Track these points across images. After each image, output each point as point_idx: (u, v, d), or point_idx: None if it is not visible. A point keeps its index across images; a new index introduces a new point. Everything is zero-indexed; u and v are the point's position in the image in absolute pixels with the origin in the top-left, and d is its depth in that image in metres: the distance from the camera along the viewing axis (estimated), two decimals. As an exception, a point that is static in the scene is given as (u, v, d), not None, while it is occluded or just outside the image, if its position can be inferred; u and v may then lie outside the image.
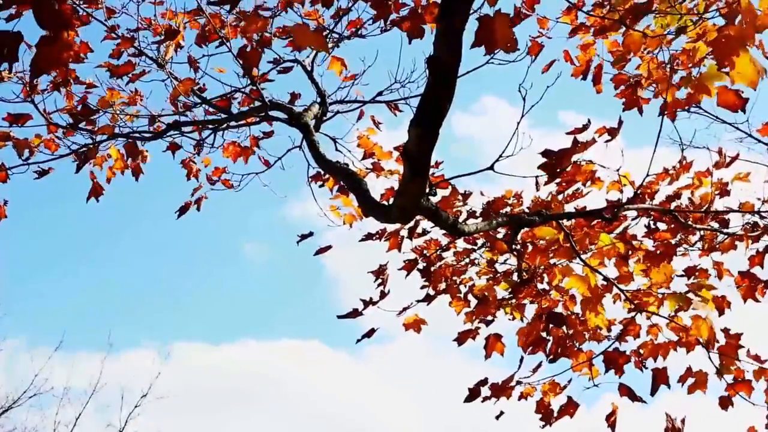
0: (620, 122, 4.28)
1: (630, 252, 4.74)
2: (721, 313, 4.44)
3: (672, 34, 4.23)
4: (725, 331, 4.24)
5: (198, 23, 4.92)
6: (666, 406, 4.13)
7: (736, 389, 4.27)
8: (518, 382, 4.49)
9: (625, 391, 4.25)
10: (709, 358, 4.22)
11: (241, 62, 4.40)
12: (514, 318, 4.87)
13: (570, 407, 4.42)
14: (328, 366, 24.79)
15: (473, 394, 4.46)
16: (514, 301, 4.86)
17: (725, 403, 4.34)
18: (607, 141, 4.30)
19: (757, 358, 4.30)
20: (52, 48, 2.30)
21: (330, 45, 5.16)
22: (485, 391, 4.47)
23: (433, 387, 24.83)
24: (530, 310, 4.84)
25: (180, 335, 29.44)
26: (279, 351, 26.33)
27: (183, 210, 5.47)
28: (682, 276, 4.74)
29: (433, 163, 3.90)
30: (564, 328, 4.51)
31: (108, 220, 27.97)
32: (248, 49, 4.32)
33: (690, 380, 4.32)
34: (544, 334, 4.51)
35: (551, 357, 4.50)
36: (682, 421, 4.06)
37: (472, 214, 4.92)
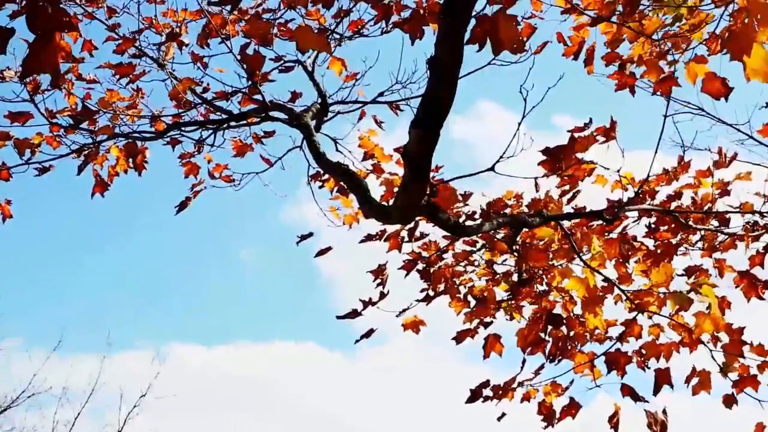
0: (613, 122, 4.25)
1: (630, 252, 4.73)
2: (721, 313, 4.41)
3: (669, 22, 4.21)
4: (727, 326, 4.17)
5: (201, 14, 4.90)
6: (669, 406, 4.11)
7: (742, 386, 4.19)
8: (520, 384, 4.48)
9: (628, 391, 4.23)
10: (712, 357, 4.19)
11: (243, 65, 4.39)
12: (512, 318, 4.86)
13: (572, 408, 4.41)
14: (324, 367, 24.83)
15: (475, 395, 4.45)
16: (513, 302, 4.85)
17: (729, 401, 4.26)
18: (603, 142, 4.29)
19: (760, 348, 4.20)
20: (42, 50, 2.30)
21: (332, 45, 5.15)
22: (486, 392, 4.46)
23: (430, 388, 24.83)
24: (529, 311, 4.84)
25: (176, 337, 29.43)
26: (275, 353, 26.34)
27: (182, 206, 5.45)
28: (682, 275, 4.72)
29: (433, 167, 3.89)
30: (564, 329, 4.51)
31: (106, 222, 27.95)
32: (250, 51, 4.30)
33: (694, 380, 4.27)
34: (543, 335, 4.50)
35: (550, 358, 4.49)
36: (664, 412, 4.02)
37: (470, 216, 4.91)
